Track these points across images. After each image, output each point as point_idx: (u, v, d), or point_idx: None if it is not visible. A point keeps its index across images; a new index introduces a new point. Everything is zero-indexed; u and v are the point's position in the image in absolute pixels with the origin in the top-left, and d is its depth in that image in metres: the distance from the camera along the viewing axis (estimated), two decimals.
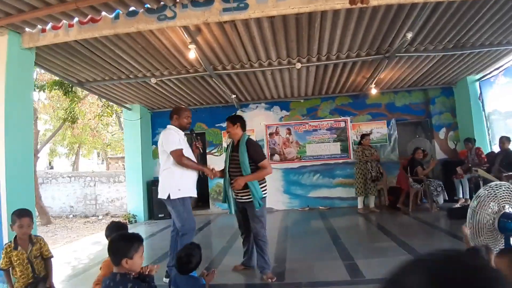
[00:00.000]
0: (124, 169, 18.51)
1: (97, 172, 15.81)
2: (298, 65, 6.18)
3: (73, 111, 10.13)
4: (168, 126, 4.02)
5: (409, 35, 4.97)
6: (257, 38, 5.15)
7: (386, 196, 8.27)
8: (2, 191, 3.91)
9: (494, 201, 2.72)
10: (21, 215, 2.95)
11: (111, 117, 15.59)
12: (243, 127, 4.03)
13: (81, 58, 5.58)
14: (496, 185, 2.80)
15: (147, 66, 6.15)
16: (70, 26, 4.16)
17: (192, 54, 5.05)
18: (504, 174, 5.79)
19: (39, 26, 4.20)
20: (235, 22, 4.54)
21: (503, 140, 6.37)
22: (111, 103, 10.66)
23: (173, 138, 3.75)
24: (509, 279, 1.31)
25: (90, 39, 4.60)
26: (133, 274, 2.02)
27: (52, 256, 3.16)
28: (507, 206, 2.70)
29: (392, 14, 4.66)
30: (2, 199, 3.90)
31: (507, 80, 6.89)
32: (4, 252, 2.93)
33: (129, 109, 8.92)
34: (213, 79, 6.78)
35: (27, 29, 4.23)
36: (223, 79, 7.08)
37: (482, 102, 7.88)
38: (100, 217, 13.36)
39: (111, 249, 2.06)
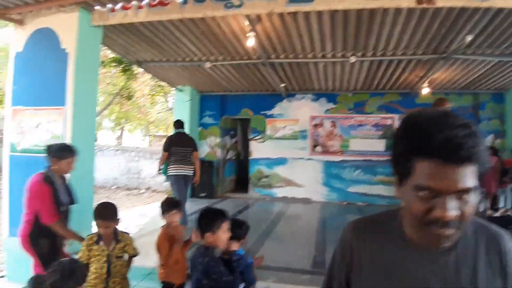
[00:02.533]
0: None
1: (142, 148, 16.48)
2: (352, 59, 6.16)
3: (129, 88, 10.62)
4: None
5: (469, 38, 4.86)
6: (315, 30, 5.21)
7: None
8: None
9: None
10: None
11: (161, 96, 16.16)
12: None
13: (142, 38, 5.85)
14: None
15: (203, 50, 6.36)
16: (140, 7, 4.38)
17: (251, 41, 5.18)
18: None
19: (109, 5, 4.44)
20: (297, 13, 4.61)
21: None
22: (162, 83, 11.07)
23: None
24: None
25: (155, 21, 4.84)
26: (220, 249, 2.19)
27: (137, 254, 2.87)
28: None
29: (454, 16, 4.55)
30: None
31: None
32: (85, 243, 2.67)
33: (180, 91, 9.25)
34: (265, 67, 6.91)
35: (97, 8, 4.47)
36: (275, 68, 7.19)
37: None
38: (142, 190, 14.03)
39: (198, 222, 2.28)
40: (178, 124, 6.45)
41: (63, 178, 3.07)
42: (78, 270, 1.99)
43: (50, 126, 4.28)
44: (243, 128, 11.63)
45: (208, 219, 2.24)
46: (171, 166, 5.96)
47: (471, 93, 8.64)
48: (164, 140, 6.58)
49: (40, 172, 2.95)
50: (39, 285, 2.51)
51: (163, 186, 15.01)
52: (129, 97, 11.34)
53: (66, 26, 4.29)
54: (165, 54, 6.67)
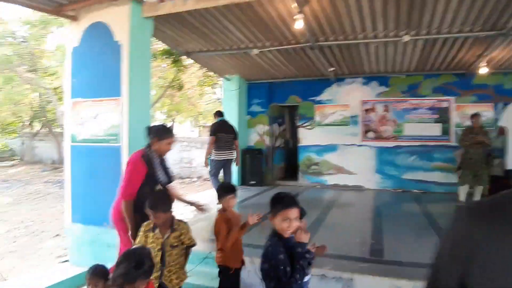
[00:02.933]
0: None
1: (193, 138, 16.96)
2: (406, 38, 5.84)
3: (179, 79, 10.90)
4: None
5: None
6: (366, 8, 4.99)
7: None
8: (125, 149, 4.44)
9: None
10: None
11: (210, 87, 16.47)
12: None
13: (190, 29, 5.95)
14: None
15: (250, 37, 6.36)
16: None
17: (299, 24, 5.07)
18: None
19: None
20: None
21: None
22: (210, 74, 11.25)
23: None
24: None
25: (202, 9, 4.88)
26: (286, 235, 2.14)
27: (194, 244, 2.92)
28: None
29: None
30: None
31: None
32: (142, 229, 2.72)
33: (228, 80, 9.34)
34: (314, 50, 6.75)
35: None
36: (323, 51, 7.01)
37: None
38: (195, 179, 14.46)
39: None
40: (219, 113, 7.39)
41: (162, 158, 3.18)
42: (147, 260, 2.04)
43: (107, 116, 4.51)
44: (290, 115, 11.54)
45: (272, 203, 2.22)
46: (216, 151, 6.83)
47: None
48: (209, 127, 7.36)
49: (140, 149, 3.11)
50: (97, 275, 2.64)
51: None
52: (180, 88, 11.63)
53: (118, 19, 4.46)
54: (213, 43, 6.75)
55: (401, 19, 5.33)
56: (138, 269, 1.97)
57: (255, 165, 9.34)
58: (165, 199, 2.75)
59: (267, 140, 9.91)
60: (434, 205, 6.90)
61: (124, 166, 4.30)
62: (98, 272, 2.64)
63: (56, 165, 17.54)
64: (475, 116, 6.62)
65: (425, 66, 7.95)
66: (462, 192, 6.72)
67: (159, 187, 3.04)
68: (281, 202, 2.17)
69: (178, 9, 4.52)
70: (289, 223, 2.10)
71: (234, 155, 7.19)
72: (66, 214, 4.79)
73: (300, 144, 9.73)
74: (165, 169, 3.16)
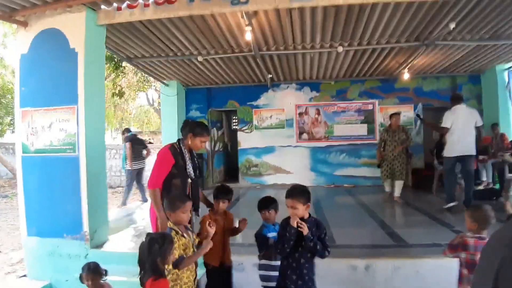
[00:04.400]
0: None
1: (122, 145, 16.33)
2: (340, 49, 6.52)
3: (120, 85, 10.55)
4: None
5: (452, 25, 5.30)
6: (308, 22, 5.50)
7: (410, 177, 8.68)
8: (83, 158, 4.37)
9: None
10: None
11: (143, 92, 16.03)
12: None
13: (137, 35, 5.93)
14: None
15: (196, 45, 6.52)
16: (146, 5, 4.52)
17: (248, 36, 5.42)
18: None
19: (115, 4, 4.56)
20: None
21: None
22: (145, 78, 11.07)
23: None
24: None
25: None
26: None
27: None
28: None
29: (439, 5, 4.96)
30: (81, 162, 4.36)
31: None
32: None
33: (167, 85, 9.34)
34: (257, 59, 7.15)
35: (102, 7, 4.57)
36: (264, 60, 7.45)
37: (510, 91, 8.22)
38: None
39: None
40: (128, 130, 8.50)
41: (192, 153, 3.15)
42: (162, 243, 2.17)
43: (63, 125, 4.38)
44: (228, 120, 11.84)
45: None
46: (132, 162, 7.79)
47: (448, 76, 9.26)
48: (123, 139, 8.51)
49: (171, 142, 3.08)
50: (92, 271, 2.76)
51: (146, 183, 15.03)
52: (121, 95, 11.24)
53: (74, 26, 4.38)
54: (157, 49, 6.77)
55: (337, 31, 5.95)
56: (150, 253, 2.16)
57: None
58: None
59: (207, 145, 10.08)
60: (365, 196, 7.76)
61: (83, 176, 4.28)
62: (93, 268, 2.83)
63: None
64: (393, 115, 6.87)
65: (353, 72, 8.83)
66: (386, 185, 7.11)
67: (189, 181, 3.06)
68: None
69: (135, 18, 4.56)
70: (291, 210, 2.51)
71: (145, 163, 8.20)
72: (21, 228, 4.53)
73: (239, 147, 10.08)
74: (195, 165, 3.15)
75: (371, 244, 4.31)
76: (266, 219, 3.03)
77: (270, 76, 8.68)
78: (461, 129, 5.57)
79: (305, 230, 2.43)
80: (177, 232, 2.47)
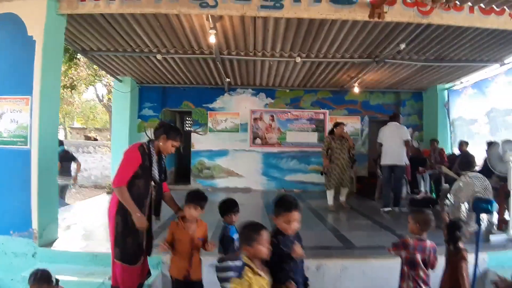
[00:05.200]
0: (88, 140, 18.25)
1: (66, 141, 15.52)
2: (298, 59, 6.82)
3: (72, 78, 10.03)
4: None
5: (402, 46, 5.79)
6: (271, 30, 5.71)
7: (355, 184, 9.21)
8: (35, 152, 4.18)
9: (470, 188, 3.58)
10: None
11: (92, 86, 15.33)
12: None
13: (95, 27, 5.75)
14: (473, 176, 3.66)
15: (157, 42, 6.46)
16: None
17: (212, 39, 5.50)
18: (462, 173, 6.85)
19: None
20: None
21: (462, 143, 7.47)
22: (97, 73, 10.66)
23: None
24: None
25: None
26: None
27: None
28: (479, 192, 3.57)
29: (392, 26, 5.41)
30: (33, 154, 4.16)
31: (474, 91, 8.04)
32: None
33: (120, 81, 9.08)
34: (217, 62, 7.23)
35: None
36: (224, 63, 7.55)
37: (448, 109, 9.06)
38: (70, 186, 13.28)
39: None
40: (60, 142, 7.58)
41: (160, 156, 3.03)
42: None
43: (15, 116, 4.15)
44: (182, 120, 11.74)
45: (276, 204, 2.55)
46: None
47: (394, 91, 10.00)
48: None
49: (141, 142, 2.94)
50: (40, 280, 2.61)
51: (90, 182, 14.45)
52: (72, 87, 10.67)
53: (33, 12, 4.15)
54: (115, 43, 6.59)
55: (297, 42, 6.22)
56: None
57: None
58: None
59: None
60: (313, 201, 8.11)
61: (34, 170, 4.08)
62: (40, 277, 2.60)
63: None
64: (340, 125, 6.87)
65: (307, 82, 9.23)
66: (330, 196, 7.00)
67: (153, 184, 2.97)
68: (283, 206, 2.43)
69: (99, 11, 4.43)
70: (290, 224, 2.38)
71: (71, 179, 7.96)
72: None
73: (193, 149, 10.04)
74: (161, 168, 3.05)
75: (321, 246, 4.54)
76: (230, 222, 3.00)
77: (228, 80, 8.78)
78: (389, 143, 6.50)
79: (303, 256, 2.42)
80: (252, 269, 2.07)
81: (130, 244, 2.87)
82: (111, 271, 3.04)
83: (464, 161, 6.98)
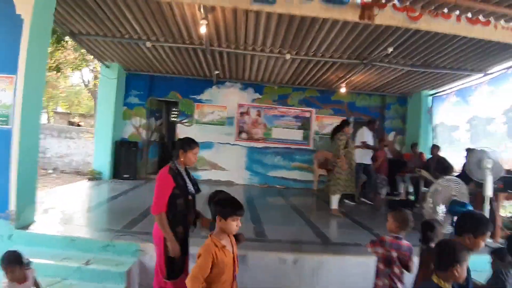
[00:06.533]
0: (71, 125, 17.95)
1: (49, 125, 15.23)
2: (288, 56, 6.85)
3: (58, 60, 9.81)
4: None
5: (390, 49, 5.91)
6: (262, 25, 5.72)
7: None
8: (16, 132, 4.11)
9: (447, 191, 3.70)
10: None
11: (79, 71, 15.05)
12: None
13: (85, 10, 5.69)
14: (450, 180, 3.78)
15: (146, 29, 6.40)
16: None
17: (203, 29, 5.47)
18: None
19: None
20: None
21: (434, 147, 7.69)
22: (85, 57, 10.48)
23: None
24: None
25: None
26: None
27: None
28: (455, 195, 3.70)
29: (380, 30, 5.50)
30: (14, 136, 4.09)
31: (458, 99, 8.24)
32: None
33: (108, 67, 8.96)
34: (206, 53, 7.21)
35: None
36: (213, 55, 7.52)
37: (431, 115, 9.26)
38: (50, 171, 13.09)
39: None
40: None
41: (187, 170, 3.15)
42: None
43: None
44: (168, 111, 11.66)
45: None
46: None
47: (379, 95, 10.17)
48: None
49: (167, 165, 3.02)
50: (12, 261, 2.60)
51: (72, 167, 14.21)
52: (57, 70, 10.44)
53: None
54: (104, 28, 6.51)
55: (288, 39, 6.26)
56: None
57: (129, 159, 9.18)
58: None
59: (143, 134, 9.85)
60: (295, 197, 8.23)
61: (15, 151, 4.02)
62: (10, 258, 2.60)
63: None
64: (349, 123, 6.54)
65: (296, 80, 9.29)
66: (336, 200, 6.30)
67: (190, 197, 3.07)
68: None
69: None
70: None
71: None
72: None
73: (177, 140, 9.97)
74: (192, 181, 3.17)
75: (300, 241, 4.61)
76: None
77: (217, 72, 8.76)
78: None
79: None
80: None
81: (179, 262, 2.99)
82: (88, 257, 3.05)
83: (440, 166, 7.15)
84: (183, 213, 2.99)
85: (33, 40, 4.15)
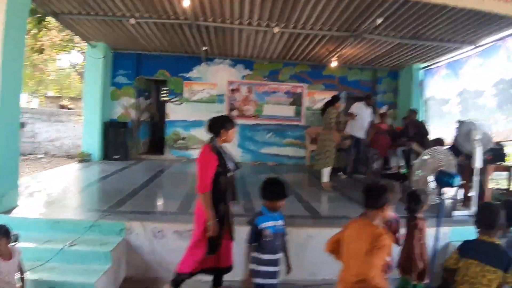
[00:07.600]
0: (61, 109, 17.70)
1: (38, 109, 15.00)
2: (276, 30, 6.68)
3: (42, 42, 9.52)
4: None
5: (379, 21, 5.77)
6: None
7: None
8: None
9: (435, 162, 3.67)
10: None
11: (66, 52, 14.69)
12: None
13: None
14: (438, 151, 3.75)
15: (129, 5, 6.20)
16: None
17: (186, 2, 5.30)
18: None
19: None
20: None
21: (410, 112, 7.81)
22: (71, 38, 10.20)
23: None
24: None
25: None
26: None
27: None
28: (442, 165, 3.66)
29: (369, 1, 5.36)
30: None
31: (448, 72, 8.14)
32: None
33: (93, 47, 8.73)
34: (192, 29, 7.02)
35: None
36: (200, 31, 7.32)
37: (422, 88, 9.20)
38: (40, 155, 12.97)
39: None
40: None
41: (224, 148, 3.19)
42: None
43: None
44: (157, 90, 11.48)
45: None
46: None
47: (371, 69, 10.05)
48: None
49: (206, 143, 3.05)
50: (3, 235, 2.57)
51: (62, 151, 14.08)
52: (40, 51, 10.15)
53: None
54: (86, 6, 6.33)
55: (275, 12, 6.10)
56: None
57: (119, 139, 9.08)
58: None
59: (132, 114, 9.71)
60: (288, 174, 8.20)
61: None
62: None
63: None
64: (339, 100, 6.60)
65: (286, 55, 9.13)
66: (327, 173, 6.35)
67: (231, 174, 3.11)
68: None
69: None
70: None
71: None
72: None
73: (167, 119, 9.88)
74: (231, 158, 3.23)
75: (289, 215, 4.59)
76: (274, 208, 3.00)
77: (205, 48, 8.57)
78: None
79: None
80: None
81: (218, 240, 3.09)
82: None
83: (418, 131, 7.25)
84: (226, 190, 3.07)
85: (10, 21, 3.93)
